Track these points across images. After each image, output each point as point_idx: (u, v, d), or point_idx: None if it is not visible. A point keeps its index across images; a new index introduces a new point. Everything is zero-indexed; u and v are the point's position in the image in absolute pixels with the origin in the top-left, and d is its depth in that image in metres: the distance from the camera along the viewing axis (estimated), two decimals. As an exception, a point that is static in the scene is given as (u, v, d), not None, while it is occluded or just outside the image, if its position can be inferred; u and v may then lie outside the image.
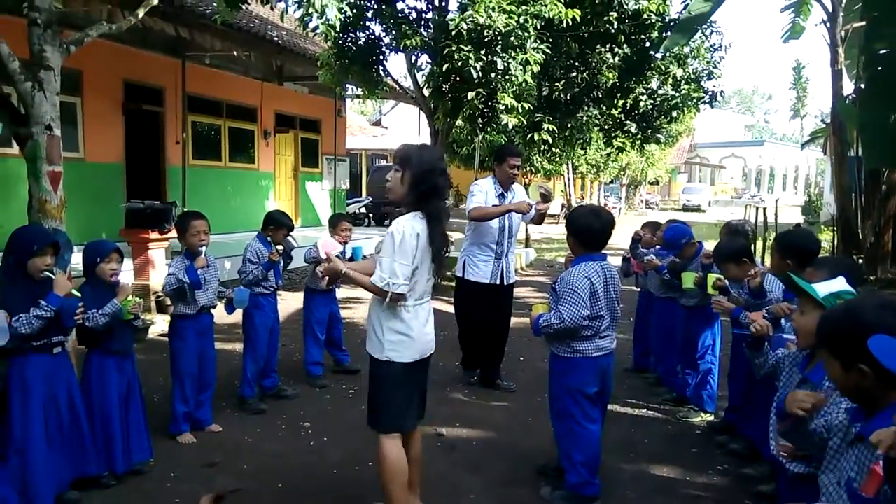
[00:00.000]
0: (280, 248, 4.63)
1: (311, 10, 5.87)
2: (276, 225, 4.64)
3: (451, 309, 7.94)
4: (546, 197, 4.88)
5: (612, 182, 30.10)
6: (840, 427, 1.82)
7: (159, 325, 6.49)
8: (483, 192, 4.96)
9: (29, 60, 3.96)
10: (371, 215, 16.77)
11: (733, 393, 4.24)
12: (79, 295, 3.17)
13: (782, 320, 3.16)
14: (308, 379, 5.14)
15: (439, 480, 3.58)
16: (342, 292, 5.57)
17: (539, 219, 5.02)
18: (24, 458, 3.02)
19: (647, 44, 9.16)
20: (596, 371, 3.29)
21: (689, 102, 9.60)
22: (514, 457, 3.92)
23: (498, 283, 5.02)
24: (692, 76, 9.56)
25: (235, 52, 10.44)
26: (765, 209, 13.27)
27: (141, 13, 4.46)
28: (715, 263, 4.08)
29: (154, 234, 6.93)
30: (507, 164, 4.96)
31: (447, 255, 3.00)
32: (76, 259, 3.88)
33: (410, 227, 2.76)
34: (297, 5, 6.13)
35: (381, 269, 2.74)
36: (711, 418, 4.53)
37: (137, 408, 3.52)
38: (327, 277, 3.04)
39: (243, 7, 6.85)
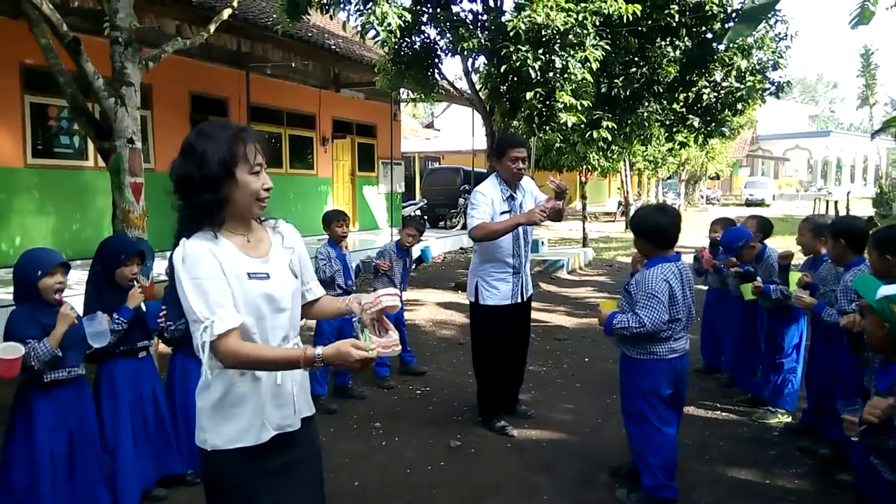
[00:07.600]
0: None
1: (371, 17, 5.96)
2: (333, 219, 4.88)
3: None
4: (560, 194, 4.00)
5: (670, 178, 29.41)
6: None
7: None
8: (486, 200, 4.09)
9: (111, 77, 4.16)
10: (426, 217, 16.91)
11: (812, 395, 4.10)
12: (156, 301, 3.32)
13: None
14: (375, 380, 5.22)
15: (512, 480, 3.59)
16: (406, 294, 5.63)
17: (556, 215, 4.01)
18: (114, 457, 3.18)
19: (710, 35, 8.92)
20: (670, 373, 3.23)
21: (755, 94, 9.31)
22: (585, 458, 3.89)
23: (519, 300, 4.26)
24: (757, 67, 9.26)
25: (294, 64, 10.70)
26: (835, 203, 12.72)
27: (212, 28, 4.63)
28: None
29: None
30: (508, 157, 4.10)
31: None
32: (158, 266, 4.06)
33: None
34: (358, 14, 6.24)
35: None
36: (789, 419, 4.39)
37: (220, 408, 3.63)
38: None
39: (304, 18, 7.03)
